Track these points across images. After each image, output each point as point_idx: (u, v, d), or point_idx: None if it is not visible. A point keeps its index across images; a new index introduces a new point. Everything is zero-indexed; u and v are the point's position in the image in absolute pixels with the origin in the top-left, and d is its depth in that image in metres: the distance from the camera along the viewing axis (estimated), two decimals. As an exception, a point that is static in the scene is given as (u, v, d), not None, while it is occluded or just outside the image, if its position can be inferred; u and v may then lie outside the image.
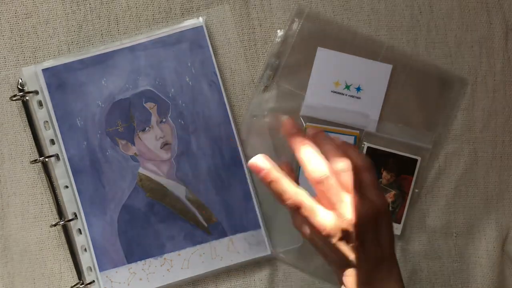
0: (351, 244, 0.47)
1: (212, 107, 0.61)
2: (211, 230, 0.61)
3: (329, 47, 0.62)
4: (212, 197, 0.61)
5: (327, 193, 0.48)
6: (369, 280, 0.48)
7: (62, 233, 0.61)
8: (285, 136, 0.51)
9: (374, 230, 0.48)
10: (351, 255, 0.48)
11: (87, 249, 0.61)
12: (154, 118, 0.61)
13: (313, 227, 0.48)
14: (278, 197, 0.49)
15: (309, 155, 0.49)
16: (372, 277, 0.48)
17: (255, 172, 0.49)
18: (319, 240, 0.49)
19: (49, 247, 0.62)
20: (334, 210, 0.47)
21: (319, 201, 0.48)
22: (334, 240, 0.47)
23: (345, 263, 0.48)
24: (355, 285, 0.48)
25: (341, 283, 0.50)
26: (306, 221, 0.48)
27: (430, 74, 0.63)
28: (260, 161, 0.49)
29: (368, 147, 0.62)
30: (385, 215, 0.49)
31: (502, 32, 0.64)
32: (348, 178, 0.48)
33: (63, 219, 0.61)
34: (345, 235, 0.47)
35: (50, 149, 0.61)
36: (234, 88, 0.63)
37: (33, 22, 0.62)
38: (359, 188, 0.48)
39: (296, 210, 0.48)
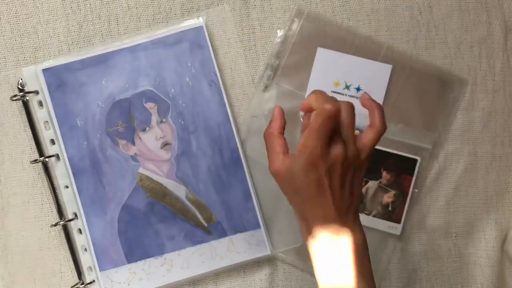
0: (335, 182, 0.47)
1: (212, 107, 0.61)
2: (211, 230, 0.61)
3: (329, 47, 0.62)
4: (212, 197, 0.61)
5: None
6: (337, 229, 0.47)
7: (62, 233, 0.61)
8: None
9: (350, 177, 0.48)
10: (331, 195, 0.47)
11: (87, 249, 0.61)
12: (154, 118, 0.61)
13: (321, 149, 0.46)
14: (322, 102, 0.46)
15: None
16: (340, 226, 0.47)
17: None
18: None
19: (49, 247, 0.62)
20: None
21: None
22: (326, 168, 0.46)
23: (320, 205, 0.47)
24: (324, 233, 0.47)
25: (308, 233, 0.49)
26: (320, 141, 0.47)
27: (430, 74, 0.63)
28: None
29: (368, 147, 0.62)
30: (362, 164, 0.49)
31: (502, 32, 0.64)
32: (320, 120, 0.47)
33: (63, 219, 0.61)
34: (334, 170, 0.47)
35: (50, 149, 0.61)
36: (234, 88, 0.63)
37: (34, 22, 0.62)
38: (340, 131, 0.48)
39: (331, 119, 0.46)
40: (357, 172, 0.49)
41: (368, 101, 0.50)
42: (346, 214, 0.48)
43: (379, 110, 0.49)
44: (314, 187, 0.47)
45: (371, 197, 0.63)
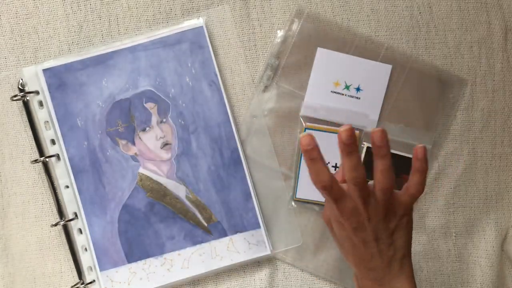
0: (367, 238, 0.49)
1: (212, 107, 0.61)
2: (211, 230, 0.61)
3: (329, 47, 0.62)
4: (212, 197, 0.61)
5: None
6: (379, 277, 0.50)
7: (62, 232, 0.61)
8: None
9: (385, 230, 0.50)
10: (365, 249, 0.49)
11: (87, 249, 0.61)
12: (154, 118, 0.61)
13: (337, 212, 0.49)
14: (314, 176, 0.48)
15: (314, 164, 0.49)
16: (382, 275, 0.50)
17: (302, 145, 0.47)
18: (339, 227, 0.51)
19: (49, 247, 0.62)
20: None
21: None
22: (353, 227, 0.49)
23: (358, 257, 0.50)
24: (366, 280, 0.51)
25: (356, 280, 0.53)
26: (333, 206, 0.49)
27: (430, 75, 0.63)
28: (309, 138, 0.48)
29: (368, 147, 0.62)
30: (403, 216, 0.50)
31: (502, 33, 0.64)
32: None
33: (63, 219, 0.61)
34: (361, 228, 0.49)
35: (51, 149, 0.61)
36: (234, 88, 0.63)
37: (34, 23, 0.62)
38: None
39: (327, 191, 0.48)
40: (398, 226, 0.50)
41: (415, 159, 0.49)
42: (389, 265, 0.50)
43: (420, 175, 0.49)
44: (347, 242, 0.51)
45: (371, 197, 0.63)
